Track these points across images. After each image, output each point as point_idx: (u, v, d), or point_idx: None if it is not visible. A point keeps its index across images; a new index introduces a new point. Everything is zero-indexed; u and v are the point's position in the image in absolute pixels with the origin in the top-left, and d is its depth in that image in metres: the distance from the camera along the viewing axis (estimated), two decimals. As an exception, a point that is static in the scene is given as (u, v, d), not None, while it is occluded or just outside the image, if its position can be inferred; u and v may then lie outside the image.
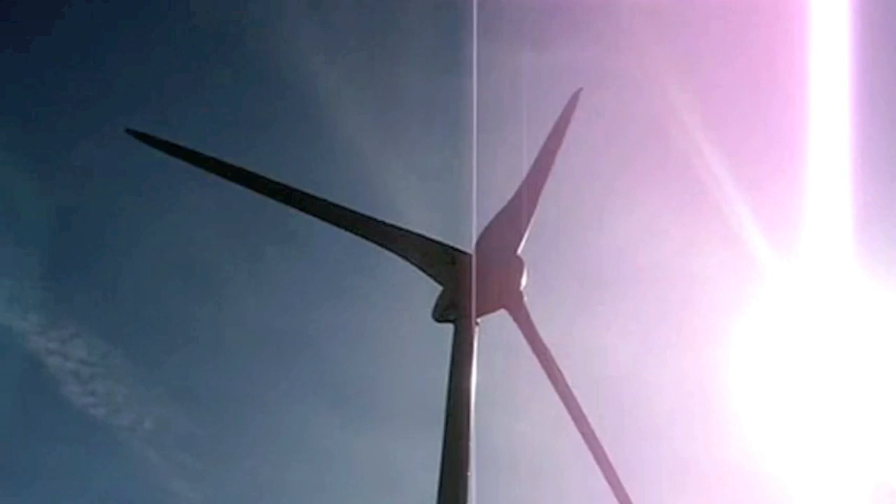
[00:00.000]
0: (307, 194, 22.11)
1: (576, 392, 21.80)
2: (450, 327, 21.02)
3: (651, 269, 41.27)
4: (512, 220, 22.91)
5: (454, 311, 21.14)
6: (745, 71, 40.03)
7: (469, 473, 18.26)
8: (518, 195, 23.55)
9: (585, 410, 21.78)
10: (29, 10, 41.68)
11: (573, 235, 39.20)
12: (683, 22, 39.20)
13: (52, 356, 40.36)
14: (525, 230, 22.58)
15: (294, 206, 22.16)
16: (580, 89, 26.40)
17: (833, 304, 30.81)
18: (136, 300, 42.78)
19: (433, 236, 22.29)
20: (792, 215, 32.17)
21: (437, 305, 21.68)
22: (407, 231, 22.06)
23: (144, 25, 41.89)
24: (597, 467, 21.61)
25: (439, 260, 21.82)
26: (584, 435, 21.66)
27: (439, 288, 21.98)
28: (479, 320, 20.85)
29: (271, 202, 22.40)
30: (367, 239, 22.16)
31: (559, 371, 21.77)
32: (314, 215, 22.15)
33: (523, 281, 21.67)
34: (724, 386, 38.78)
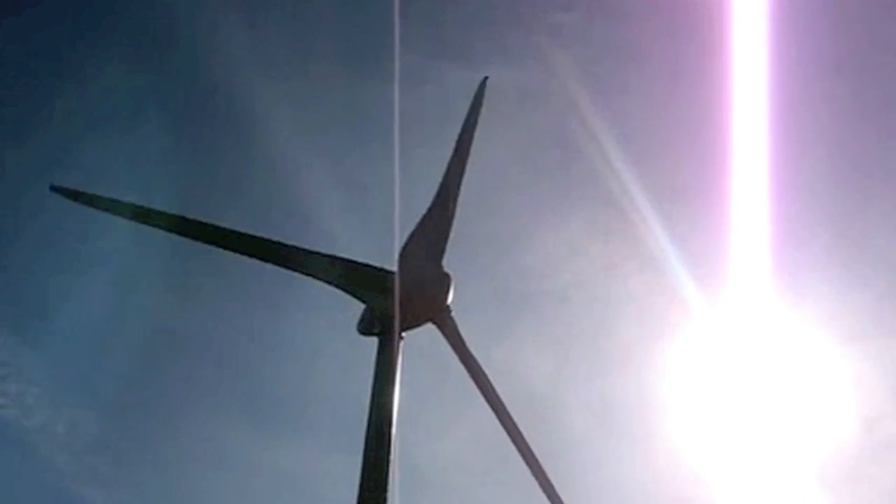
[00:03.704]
0: (224, 229, 21.56)
1: (508, 404, 21.62)
2: (375, 340, 20.86)
3: (571, 289, 41.68)
4: (432, 230, 22.57)
5: (379, 324, 20.97)
6: (670, 94, 40.74)
7: (389, 490, 18.11)
8: (435, 204, 23.14)
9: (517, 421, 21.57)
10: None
11: (494, 253, 39.41)
12: (610, 45, 39.82)
13: (-38, 356, 39.26)
14: (446, 239, 22.41)
15: (212, 242, 21.64)
16: (486, 78, 25.71)
17: (750, 326, 31.33)
18: (49, 301, 41.80)
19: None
20: (711, 239, 32.77)
21: (362, 318, 21.47)
22: (325, 255, 21.56)
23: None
24: (532, 480, 21.40)
25: (362, 282, 21.56)
26: (518, 446, 21.36)
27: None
28: (404, 335, 20.72)
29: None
30: (286, 267, 21.75)
31: (490, 383, 21.60)
32: (231, 249, 21.71)
33: (450, 295, 21.55)
34: (642, 406, 39.24)
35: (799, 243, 38.21)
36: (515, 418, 21.50)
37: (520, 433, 21.40)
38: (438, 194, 23.24)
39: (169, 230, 21.89)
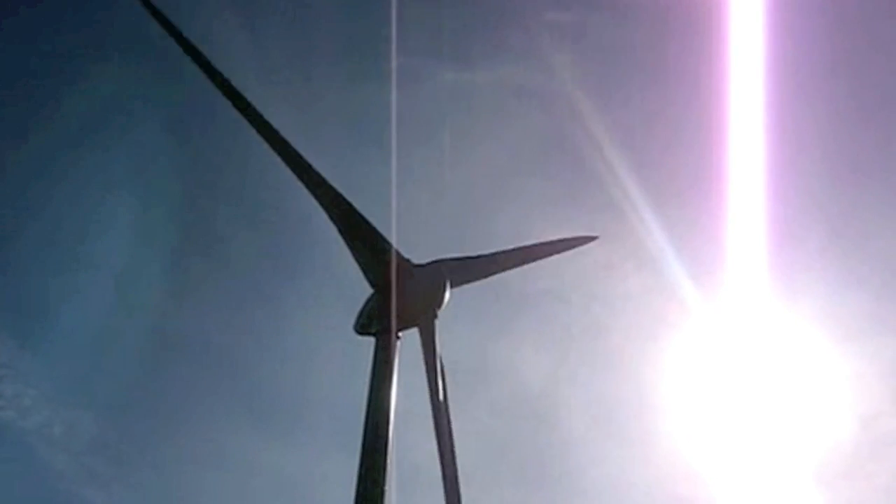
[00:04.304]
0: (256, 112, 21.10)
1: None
2: (372, 340, 20.91)
3: (569, 289, 41.72)
4: (469, 268, 22.88)
5: (376, 324, 21.02)
6: (667, 94, 40.78)
7: (386, 489, 18.18)
8: (491, 256, 23.54)
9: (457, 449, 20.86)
10: None
11: (492, 251, 39.35)
12: (608, 45, 39.84)
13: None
14: (473, 280, 22.77)
15: (265, 136, 21.05)
16: (595, 237, 26.10)
17: (747, 326, 31.42)
18: (47, 302, 41.84)
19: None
20: (708, 238, 32.84)
21: (359, 318, 21.54)
22: (342, 196, 21.27)
23: None
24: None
25: (362, 237, 21.36)
26: (444, 466, 20.44)
27: (361, 300, 21.86)
28: (400, 335, 20.79)
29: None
30: (321, 202, 21.34)
31: (446, 400, 21.16)
32: (285, 160, 21.10)
33: (444, 301, 21.57)
34: (640, 405, 39.31)
35: (795, 243, 38.30)
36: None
37: (452, 455, 20.68)
38: (490, 255, 23.60)
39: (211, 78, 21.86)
